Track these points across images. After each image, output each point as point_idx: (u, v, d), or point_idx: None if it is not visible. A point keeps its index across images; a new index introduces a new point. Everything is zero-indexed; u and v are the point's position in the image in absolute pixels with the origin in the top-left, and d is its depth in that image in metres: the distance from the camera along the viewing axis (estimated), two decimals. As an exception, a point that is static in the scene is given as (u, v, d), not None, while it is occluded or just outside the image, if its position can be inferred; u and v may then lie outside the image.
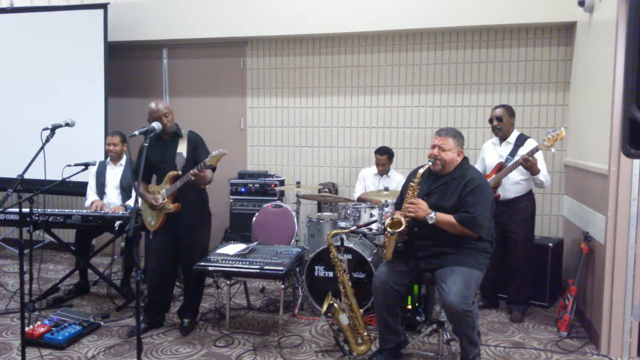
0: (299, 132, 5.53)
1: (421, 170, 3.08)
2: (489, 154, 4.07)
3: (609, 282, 3.32)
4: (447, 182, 3.07)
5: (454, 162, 3.07)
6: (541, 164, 3.73)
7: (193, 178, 3.38)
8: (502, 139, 3.97)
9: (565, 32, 4.73)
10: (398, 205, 3.27)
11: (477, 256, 3.01)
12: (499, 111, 3.94)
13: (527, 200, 3.91)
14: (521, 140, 3.90)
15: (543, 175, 3.72)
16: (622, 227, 3.27)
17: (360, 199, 4.52)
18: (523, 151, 3.77)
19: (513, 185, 3.84)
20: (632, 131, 1.26)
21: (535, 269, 4.14)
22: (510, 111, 3.96)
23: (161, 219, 3.58)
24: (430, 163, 3.07)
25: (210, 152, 3.63)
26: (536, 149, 3.60)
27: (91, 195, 4.53)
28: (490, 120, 3.99)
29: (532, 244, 4.01)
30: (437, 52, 5.07)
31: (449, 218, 2.96)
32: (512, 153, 3.86)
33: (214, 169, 3.54)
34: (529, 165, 3.60)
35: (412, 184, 3.10)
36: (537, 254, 4.19)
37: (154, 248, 3.68)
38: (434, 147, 3.08)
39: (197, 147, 3.64)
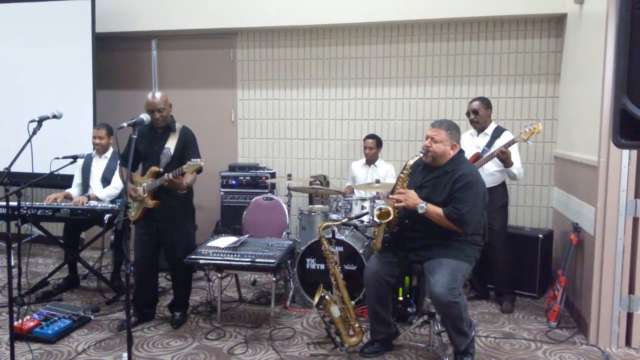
0: (290, 124, 5.50)
1: (410, 162, 3.11)
2: (466, 144, 4.12)
3: (598, 272, 3.35)
4: (439, 175, 3.06)
5: (446, 155, 3.06)
6: (515, 157, 3.79)
7: (166, 184, 3.35)
8: (480, 130, 4.02)
9: (555, 24, 4.74)
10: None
11: (466, 249, 3.02)
12: (475, 104, 3.99)
13: (500, 191, 3.98)
14: (498, 132, 3.97)
15: (516, 168, 3.80)
16: (611, 218, 3.30)
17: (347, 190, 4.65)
18: (499, 143, 3.85)
19: (488, 176, 3.88)
20: (622, 121, 1.26)
21: (520, 259, 4.21)
22: (486, 103, 4.01)
23: (140, 211, 3.56)
24: (422, 154, 3.08)
25: (198, 153, 3.61)
26: (512, 142, 3.67)
27: (72, 188, 4.51)
28: (467, 114, 4.04)
29: (506, 232, 4.07)
30: (427, 44, 5.06)
31: (439, 210, 2.96)
32: (489, 144, 3.92)
33: (199, 171, 3.49)
34: (505, 157, 3.66)
35: (401, 175, 3.12)
36: (527, 245, 4.24)
37: (137, 239, 3.66)
38: (427, 138, 3.08)
39: (187, 146, 3.57)
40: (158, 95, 3.49)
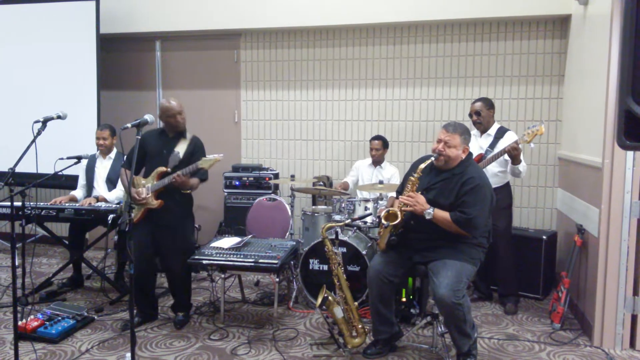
0: (293, 125, 5.51)
1: (422, 166, 3.04)
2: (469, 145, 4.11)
3: (602, 274, 3.34)
4: (448, 178, 3.03)
5: (458, 159, 3.03)
6: (520, 155, 3.78)
7: (179, 180, 3.39)
8: (483, 131, 4.02)
9: (559, 25, 4.73)
10: (399, 194, 3.26)
11: (471, 250, 3.01)
12: (477, 105, 3.98)
13: (504, 192, 3.97)
14: (501, 132, 3.96)
15: (522, 166, 3.79)
16: (615, 220, 3.29)
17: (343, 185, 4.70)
18: (502, 143, 3.84)
19: (492, 177, 3.86)
20: (627, 123, 1.26)
21: (524, 261, 4.19)
22: (488, 104, 4.00)
23: (141, 212, 3.56)
24: (434, 158, 3.04)
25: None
26: (516, 143, 3.65)
27: (77, 190, 4.52)
28: (470, 115, 4.03)
29: (511, 234, 4.06)
30: (432, 44, 5.06)
31: (446, 215, 2.94)
32: (492, 145, 3.91)
33: (203, 180, 3.57)
34: (517, 153, 3.64)
35: (412, 178, 3.07)
36: (531, 247, 4.23)
37: (135, 241, 3.66)
38: (439, 141, 3.01)
39: (196, 151, 3.61)
40: (172, 100, 3.56)
